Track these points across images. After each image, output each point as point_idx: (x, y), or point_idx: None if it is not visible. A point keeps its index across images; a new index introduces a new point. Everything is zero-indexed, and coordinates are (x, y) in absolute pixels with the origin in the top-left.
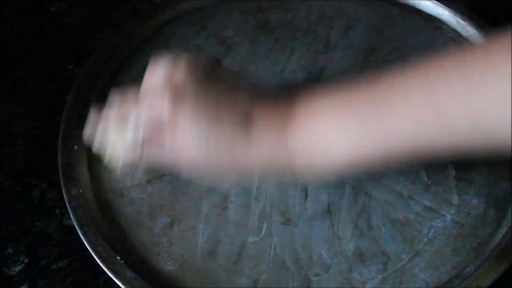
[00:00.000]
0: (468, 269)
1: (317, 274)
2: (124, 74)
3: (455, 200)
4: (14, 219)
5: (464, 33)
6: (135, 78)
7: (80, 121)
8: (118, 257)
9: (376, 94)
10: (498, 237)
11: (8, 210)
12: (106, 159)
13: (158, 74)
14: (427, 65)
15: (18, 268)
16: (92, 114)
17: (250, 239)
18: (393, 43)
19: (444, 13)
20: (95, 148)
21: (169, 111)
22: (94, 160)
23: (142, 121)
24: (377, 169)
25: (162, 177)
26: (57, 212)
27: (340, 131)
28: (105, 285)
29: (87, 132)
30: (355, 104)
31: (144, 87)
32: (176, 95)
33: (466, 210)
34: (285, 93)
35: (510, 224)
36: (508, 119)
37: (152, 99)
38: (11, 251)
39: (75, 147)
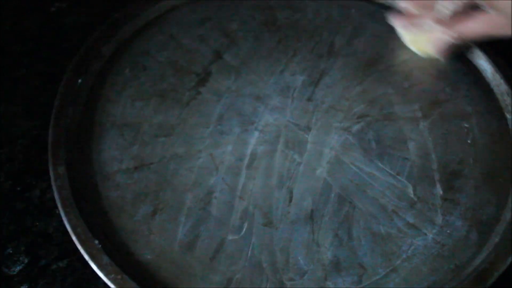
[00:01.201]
0: None
1: (291, 279)
2: (124, 55)
3: (439, 220)
4: (14, 219)
5: (468, 53)
6: (135, 60)
7: (75, 98)
8: (97, 241)
9: None
10: (477, 261)
11: (8, 210)
12: (413, 44)
13: None
14: None
15: (18, 268)
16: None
17: (230, 237)
18: (397, 55)
19: None
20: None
21: None
22: (85, 141)
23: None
24: None
25: (150, 165)
26: (57, 212)
27: None
28: (106, 285)
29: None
30: None
31: None
32: None
33: (448, 231)
34: None
35: (491, 249)
36: None
37: None
38: (11, 251)
39: (68, 126)
